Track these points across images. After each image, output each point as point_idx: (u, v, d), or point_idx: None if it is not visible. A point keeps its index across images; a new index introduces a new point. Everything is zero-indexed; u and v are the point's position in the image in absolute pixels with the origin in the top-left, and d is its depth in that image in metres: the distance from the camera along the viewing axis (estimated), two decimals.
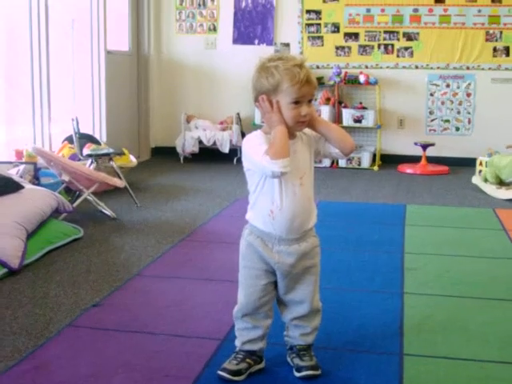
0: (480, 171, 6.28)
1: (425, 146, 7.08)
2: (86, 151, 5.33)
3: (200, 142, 7.46)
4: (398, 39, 7.42)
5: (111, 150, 5.36)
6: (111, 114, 6.90)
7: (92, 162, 5.20)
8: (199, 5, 7.78)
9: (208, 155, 7.59)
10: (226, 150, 7.39)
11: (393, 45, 7.44)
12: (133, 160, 6.05)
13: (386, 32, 7.43)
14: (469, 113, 7.41)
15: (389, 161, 7.43)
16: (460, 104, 7.42)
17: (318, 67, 7.53)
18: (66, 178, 4.65)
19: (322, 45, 7.57)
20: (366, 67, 7.49)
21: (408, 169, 7.06)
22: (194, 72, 7.86)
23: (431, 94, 7.45)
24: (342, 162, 7.23)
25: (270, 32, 7.64)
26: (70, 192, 4.99)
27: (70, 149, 5.57)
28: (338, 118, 7.31)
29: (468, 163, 6.97)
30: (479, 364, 2.39)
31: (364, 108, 7.32)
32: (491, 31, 7.22)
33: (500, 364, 2.39)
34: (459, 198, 5.68)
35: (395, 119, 7.54)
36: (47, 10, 5.65)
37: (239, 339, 2.29)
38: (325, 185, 6.14)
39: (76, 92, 6.56)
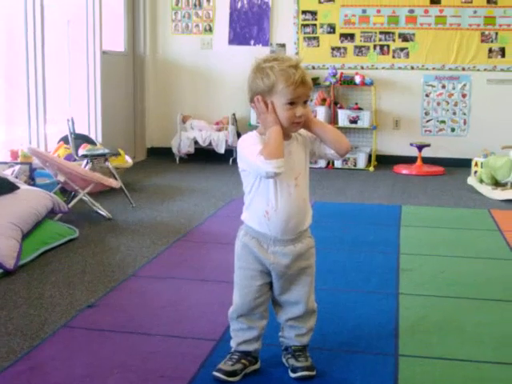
0: (475, 172, 6.29)
1: (420, 147, 7.09)
2: (81, 152, 5.32)
3: (196, 142, 7.46)
4: (394, 40, 7.43)
5: (107, 151, 5.35)
6: (107, 114, 6.89)
7: (87, 163, 5.20)
8: (195, 5, 7.77)
9: (204, 156, 7.59)
10: (221, 150, 7.39)
11: (388, 46, 7.45)
12: (128, 160, 6.04)
13: (381, 33, 7.44)
14: (464, 114, 7.43)
15: (384, 161, 7.44)
16: (456, 105, 7.43)
17: (313, 68, 7.53)
18: (61, 178, 4.65)
19: (318, 45, 7.57)
20: (362, 68, 7.49)
21: (403, 169, 7.07)
22: (189, 72, 7.85)
23: (427, 95, 7.46)
24: (338, 163, 7.23)
25: (266, 33, 7.64)
26: (66, 192, 4.98)
27: (66, 149, 5.56)
28: (333, 119, 7.32)
29: (463, 164, 6.98)
30: (475, 365, 2.39)
31: (360, 109, 7.33)
32: (487, 32, 7.23)
33: (495, 364, 2.40)
34: (455, 198, 5.68)
35: (391, 120, 7.55)
36: (43, 10, 5.64)
37: (234, 340, 2.29)
38: (320, 185, 6.14)
39: (71, 92, 6.55)
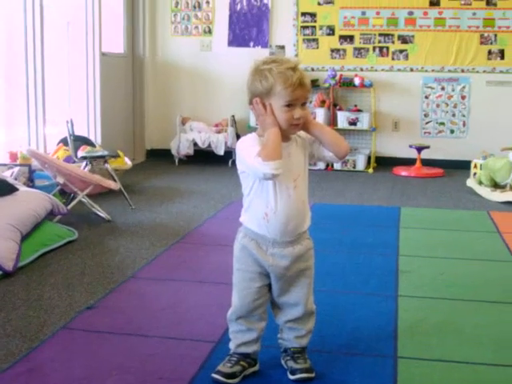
0: (475, 174, 6.29)
1: (419, 149, 7.09)
2: (80, 153, 5.32)
3: (195, 144, 7.46)
4: (393, 42, 7.43)
5: (106, 152, 5.35)
6: (106, 116, 6.89)
7: (87, 164, 5.20)
8: (194, 7, 7.78)
9: (203, 157, 7.59)
10: (220, 152, 7.39)
11: (388, 47, 7.45)
12: (127, 162, 6.04)
13: (381, 35, 7.44)
14: (463, 115, 7.43)
15: (383, 163, 7.44)
16: (455, 107, 7.44)
17: (312, 70, 7.53)
18: (60, 180, 4.64)
19: (317, 47, 7.57)
20: (361, 70, 7.50)
21: (403, 171, 7.07)
22: (189, 74, 7.85)
23: (426, 97, 7.47)
24: (337, 165, 7.22)
25: (265, 34, 7.64)
26: (65, 194, 4.98)
27: (65, 151, 5.57)
28: (332, 121, 7.32)
29: (463, 166, 6.98)
30: (473, 367, 2.39)
31: (359, 111, 7.33)
32: (486, 34, 7.24)
33: (494, 366, 2.40)
34: (454, 200, 5.69)
35: (390, 122, 7.55)
36: (42, 12, 5.64)
37: (233, 342, 2.29)
38: (319, 187, 6.14)
39: (71, 94, 6.55)
